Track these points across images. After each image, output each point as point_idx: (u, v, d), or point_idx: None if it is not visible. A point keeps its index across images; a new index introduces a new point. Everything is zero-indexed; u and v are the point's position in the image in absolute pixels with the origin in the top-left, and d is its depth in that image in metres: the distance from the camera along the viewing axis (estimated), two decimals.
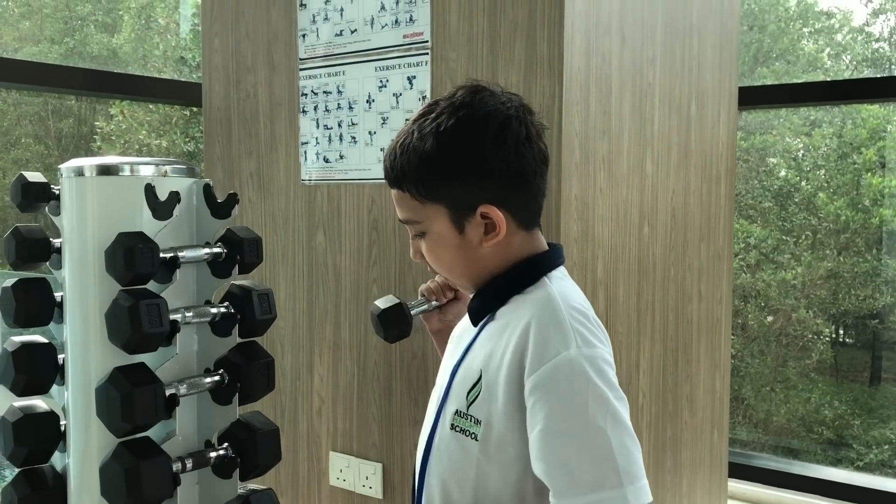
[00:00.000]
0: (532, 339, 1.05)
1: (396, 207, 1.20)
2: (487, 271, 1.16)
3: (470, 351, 1.17)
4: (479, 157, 1.10)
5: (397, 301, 1.42)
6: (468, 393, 1.13)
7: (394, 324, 1.42)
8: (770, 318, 5.12)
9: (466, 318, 1.24)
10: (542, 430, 1.01)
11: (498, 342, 1.11)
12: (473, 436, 1.11)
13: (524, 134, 1.11)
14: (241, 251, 1.34)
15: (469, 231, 1.13)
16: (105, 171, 1.26)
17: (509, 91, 1.17)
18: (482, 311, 1.17)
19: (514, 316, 1.11)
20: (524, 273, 1.14)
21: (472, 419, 1.10)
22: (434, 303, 1.43)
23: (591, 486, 0.98)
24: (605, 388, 1.02)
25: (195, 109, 3.60)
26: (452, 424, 1.15)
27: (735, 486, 2.69)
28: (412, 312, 1.42)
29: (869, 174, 4.75)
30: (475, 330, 1.18)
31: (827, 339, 5.09)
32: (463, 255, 1.14)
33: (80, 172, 1.28)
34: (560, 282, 1.15)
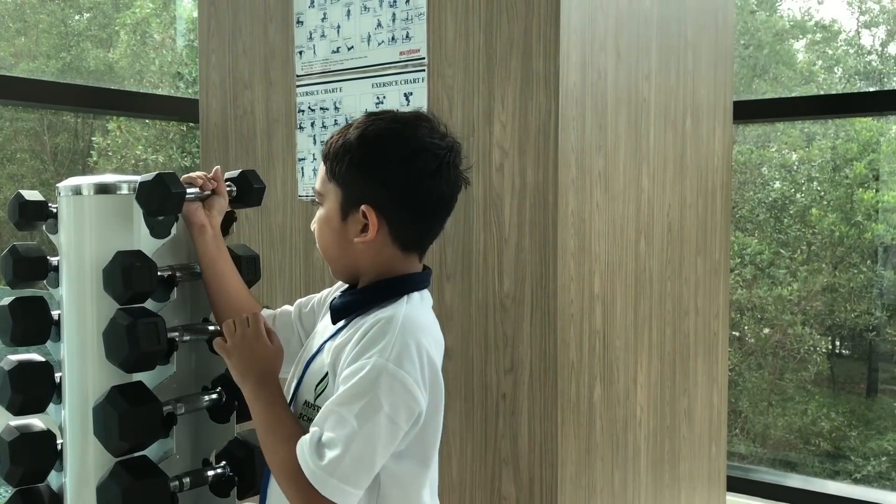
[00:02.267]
0: (363, 339, 1.16)
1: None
2: (354, 268, 1.25)
3: (323, 347, 1.25)
4: (383, 165, 1.21)
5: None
6: (316, 386, 1.22)
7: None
8: (767, 331, 5.12)
9: (327, 318, 1.30)
10: (327, 404, 1.13)
11: (347, 346, 1.19)
12: None
13: (432, 169, 1.20)
14: (239, 269, 1.34)
15: (349, 223, 1.22)
16: (103, 189, 1.27)
17: (454, 136, 1.25)
18: (343, 313, 1.25)
19: (366, 324, 1.19)
20: (388, 289, 1.23)
21: (318, 409, 1.19)
22: (195, 190, 1.33)
23: (318, 454, 1.11)
24: (385, 404, 1.11)
25: (192, 125, 3.61)
26: (301, 414, 1.24)
27: (733, 499, 2.68)
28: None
29: (861, 189, 4.77)
30: (333, 329, 1.26)
31: (824, 351, 5.09)
32: (337, 240, 1.24)
33: (77, 191, 1.28)
34: (415, 306, 1.23)
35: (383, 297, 1.21)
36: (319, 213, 1.26)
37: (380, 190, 1.20)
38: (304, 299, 1.41)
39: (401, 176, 1.19)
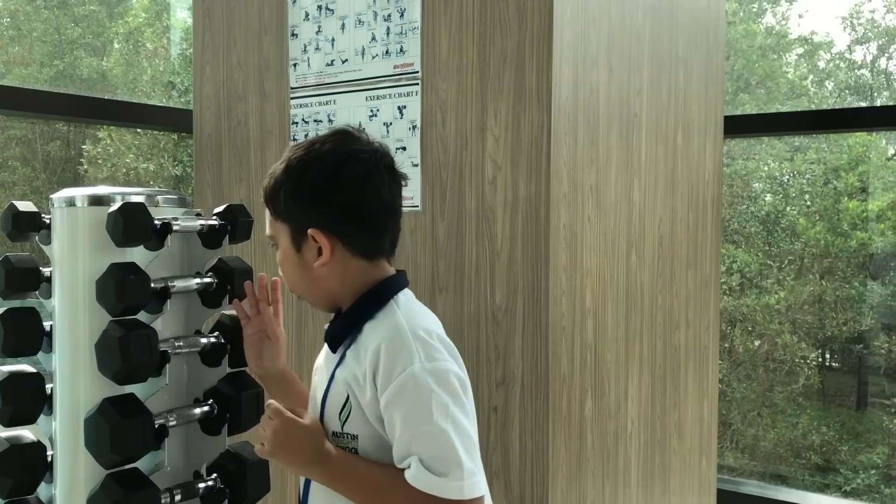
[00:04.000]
0: (382, 359, 1.17)
1: None
2: (328, 293, 1.27)
3: (335, 377, 1.25)
4: (313, 187, 1.24)
5: None
6: (340, 413, 1.23)
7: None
8: (756, 342, 5.14)
9: (326, 349, 1.32)
10: (399, 436, 1.15)
11: (358, 365, 1.21)
12: (354, 450, 1.22)
13: (363, 174, 1.23)
14: (231, 281, 1.34)
15: (305, 252, 1.25)
16: (96, 201, 1.27)
17: (378, 141, 1.29)
18: (339, 338, 1.26)
19: (368, 339, 1.21)
20: (372, 299, 1.25)
21: (348, 436, 1.22)
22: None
23: (438, 475, 1.13)
24: (446, 395, 1.14)
25: (183, 133, 3.61)
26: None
27: None
28: None
29: (847, 198, 4.81)
30: (336, 357, 1.27)
31: (814, 363, 5.11)
32: (301, 273, 1.27)
33: (71, 202, 1.28)
34: (407, 305, 1.26)
35: (370, 309, 1.23)
36: (278, 254, 1.29)
37: (320, 211, 1.23)
38: None
39: (334, 191, 1.22)
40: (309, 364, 1.47)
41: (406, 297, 1.27)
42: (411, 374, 1.14)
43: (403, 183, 1.28)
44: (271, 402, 1.24)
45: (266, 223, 1.30)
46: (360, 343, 1.23)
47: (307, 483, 1.28)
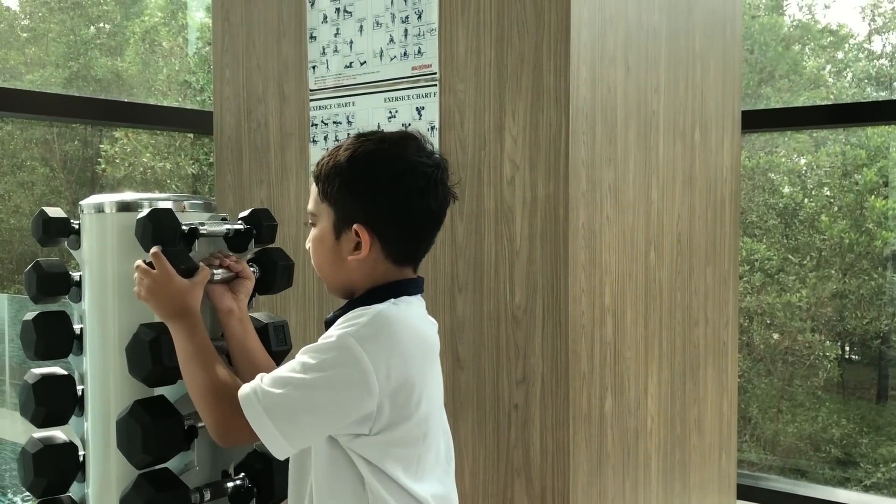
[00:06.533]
0: (337, 324, 1.21)
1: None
2: (349, 284, 1.28)
3: None
4: (372, 185, 1.25)
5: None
6: None
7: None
8: (776, 337, 5.12)
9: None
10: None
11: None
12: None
13: (422, 186, 1.25)
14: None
15: (343, 241, 1.26)
16: (124, 207, 1.30)
17: (439, 153, 1.30)
18: (332, 322, 1.27)
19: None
20: (372, 293, 1.26)
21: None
22: (221, 271, 1.32)
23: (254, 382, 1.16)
24: (331, 370, 1.15)
25: (199, 133, 3.64)
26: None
27: None
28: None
29: (872, 196, 4.77)
30: None
31: (834, 357, 5.09)
32: (331, 259, 1.28)
33: (100, 209, 1.31)
34: (399, 307, 1.25)
35: (367, 301, 1.24)
36: (313, 232, 1.30)
37: (371, 209, 1.24)
38: None
39: (390, 195, 1.24)
40: None
41: (408, 302, 1.27)
42: (336, 335, 1.16)
43: (452, 201, 1.30)
44: (155, 248, 1.24)
45: (310, 199, 1.30)
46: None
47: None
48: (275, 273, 1.38)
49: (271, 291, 1.39)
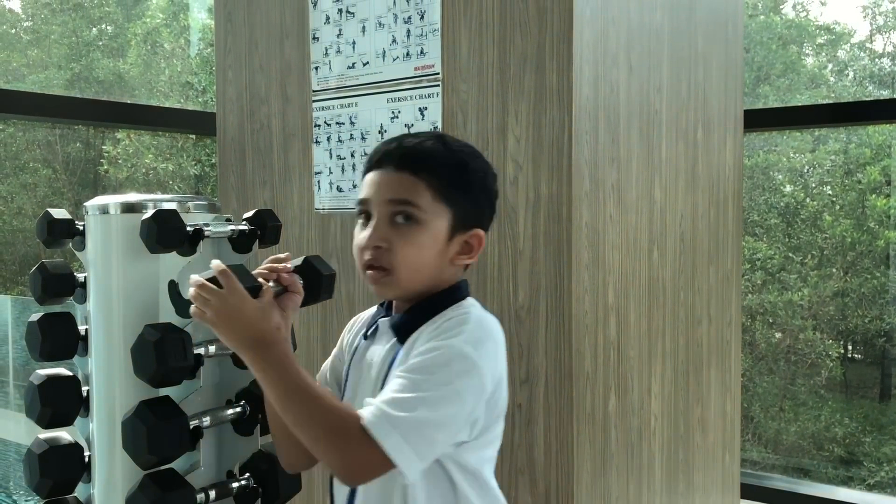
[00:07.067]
0: (437, 330, 1.14)
1: (388, 187, 1.18)
2: (434, 284, 1.21)
3: (394, 363, 1.19)
4: (491, 192, 1.24)
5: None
6: None
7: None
8: (778, 335, 5.12)
9: (377, 345, 1.24)
10: (398, 372, 1.10)
11: (413, 346, 1.17)
12: None
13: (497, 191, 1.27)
14: (318, 288, 1.32)
15: (452, 244, 1.20)
16: (129, 208, 1.30)
17: None
18: (411, 327, 1.20)
19: (438, 321, 1.18)
20: (448, 296, 1.22)
21: None
22: (274, 285, 1.20)
23: (384, 408, 1.06)
24: (456, 382, 1.08)
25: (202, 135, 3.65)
26: None
27: None
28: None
29: (874, 195, 4.77)
30: (400, 347, 1.20)
31: (836, 356, 5.09)
32: (435, 261, 1.19)
33: (104, 210, 1.31)
34: (476, 307, 1.23)
35: (445, 304, 1.20)
36: (416, 230, 1.17)
37: (488, 215, 1.24)
38: (324, 367, 1.36)
39: (493, 200, 1.25)
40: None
41: (474, 302, 1.25)
42: (450, 344, 1.09)
43: None
44: (219, 264, 1.11)
45: (395, 188, 1.17)
46: (425, 330, 1.18)
47: (352, 493, 1.22)
48: (319, 284, 1.25)
49: (312, 303, 1.27)
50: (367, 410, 1.06)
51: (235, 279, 1.11)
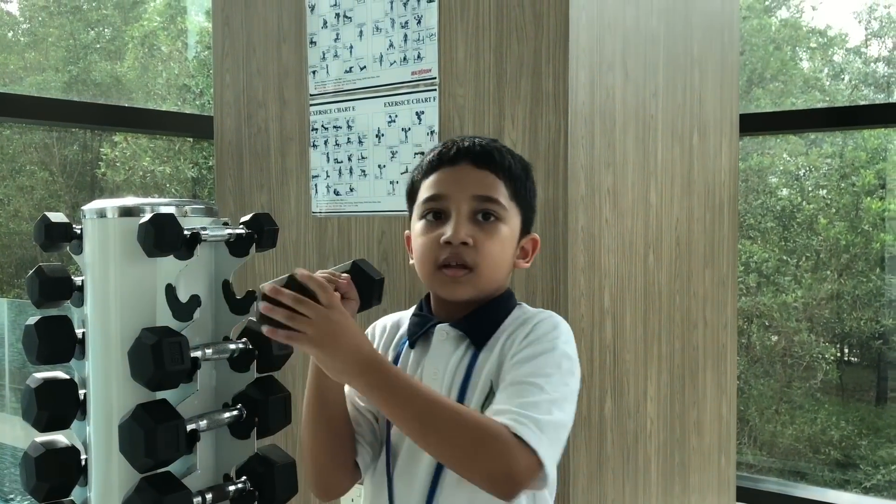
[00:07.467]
0: (529, 330, 1.16)
1: (472, 183, 1.16)
2: (500, 285, 1.23)
3: (474, 370, 1.17)
4: (537, 193, 1.29)
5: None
6: (483, 405, 1.14)
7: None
8: (774, 338, 5.13)
9: (438, 352, 1.20)
10: (512, 377, 1.11)
11: (501, 351, 1.16)
12: None
13: None
14: (371, 292, 1.29)
15: (519, 246, 1.24)
16: (126, 212, 1.30)
17: None
18: (489, 331, 1.19)
19: (510, 327, 1.19)
20: (512, 299, 1.26)
21: None
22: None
23: (530, 413, 1.07)
24: (570, 382, 1.12)
25: (199, 139, 3.65)
26: None
27: None
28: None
29: (869, 198, 4.79)
30: (473, 351, 1.18)
31: (832, 359, 5.10)
32: (510, 262, 1.22)
33: (102, 214, 1.32)
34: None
35: (510, 307, 1.23)
36: (500, 229, 1.17)
37: (534, 219, 1.28)
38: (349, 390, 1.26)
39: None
40: None
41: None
42: (556, 346, 1.11)
43: None
44: (306, 272, 1.02)
45: (484, 185, 1.16)
46: (502, 332, 1.17)
47: (432, 489, 1.17)
48: (371, 290, 1.18)
49: (364, 310, 1.20)
50: (508, 417, 1.03)
51: (332, 290, 1.01)
